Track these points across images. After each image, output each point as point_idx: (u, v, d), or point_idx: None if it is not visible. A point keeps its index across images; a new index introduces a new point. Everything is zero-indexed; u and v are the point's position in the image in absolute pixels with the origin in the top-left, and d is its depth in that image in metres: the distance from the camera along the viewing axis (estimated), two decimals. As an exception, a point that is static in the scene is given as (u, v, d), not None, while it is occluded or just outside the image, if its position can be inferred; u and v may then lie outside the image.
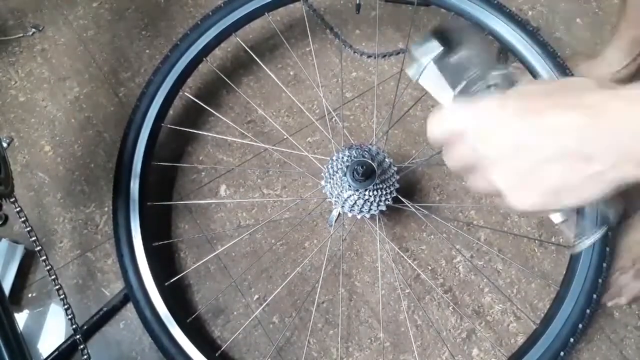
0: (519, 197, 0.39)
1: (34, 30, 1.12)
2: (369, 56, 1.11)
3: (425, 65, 0.48)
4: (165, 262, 0.93)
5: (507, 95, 0.39)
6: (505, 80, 0.46)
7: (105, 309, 0.87)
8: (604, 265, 0.81)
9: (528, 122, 0.37)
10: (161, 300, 0.82)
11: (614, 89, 0.35)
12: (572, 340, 0.79)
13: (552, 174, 0.37)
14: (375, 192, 0.80)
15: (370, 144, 0.88)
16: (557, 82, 0.39)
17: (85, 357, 0.72)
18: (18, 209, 0.69)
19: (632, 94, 0.34)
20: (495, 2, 0.90)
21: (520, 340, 0.88)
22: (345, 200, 0.80)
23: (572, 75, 0.86)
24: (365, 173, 0.77)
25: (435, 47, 0.48)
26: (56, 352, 0.83)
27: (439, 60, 0.48)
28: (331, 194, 0.81)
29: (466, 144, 0.40)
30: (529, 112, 0.37)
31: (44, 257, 0.72)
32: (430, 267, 0.94)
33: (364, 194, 0.79)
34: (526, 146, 0.37)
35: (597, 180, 0.36)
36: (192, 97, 1.00)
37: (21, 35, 1.12)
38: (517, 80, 0.45)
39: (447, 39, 0.48)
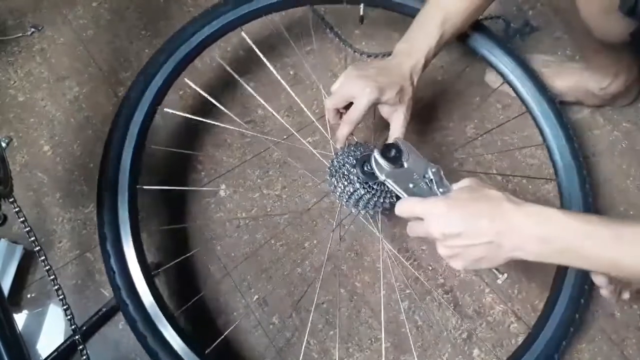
0: (453, 262, 0.64)
1: (33, 30, 1.12)
2: (369, 55, 1.11)
3: (383, 180, 0.71)
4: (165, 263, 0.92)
5: (447, 197, 0.64)
6: (436, 176, 0.69)
7: (104, 309, 0.86)
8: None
9: (461, 218, 0.60)
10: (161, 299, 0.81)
11: (516, 203, 0.59)
12: (564, 343, 0.80)
13: (474, 252, 0.61)
14: (382, 187, 0.78)
15: (371, 144, 0.88)
16: (480, 192, 0.62)
17: (84, 357, 0.71)
18: (17, 209, 0.69)
19: (526, 210, 0.58)
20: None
21: (521, 341, 0.88)
22: (351, 194, 0.78)
23: (544, 85, 0.97)
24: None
25: (385, 166, 0.71)
26: (55, 353, 0.83)
27: (391, 173, 0.70)
28: (335, 188, 0.80)
29: (421, 226, 0.64)
30: (462, 211, 0.61)
31: (43, 257, 0.71)
32: (430, 268, 0.94)
33: (372, 188, 0.78)
34: (459, 234, 0.60)
35: (500, 258, 0.61)
36: (192, 97, 1.00)
37: (20, 35, 1.12)
38: (443, 176, 0.69)
39: (391, 157, 0.71)
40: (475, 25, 0.96)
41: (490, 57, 0.97)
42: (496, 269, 0.70)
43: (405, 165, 0.71)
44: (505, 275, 0.70)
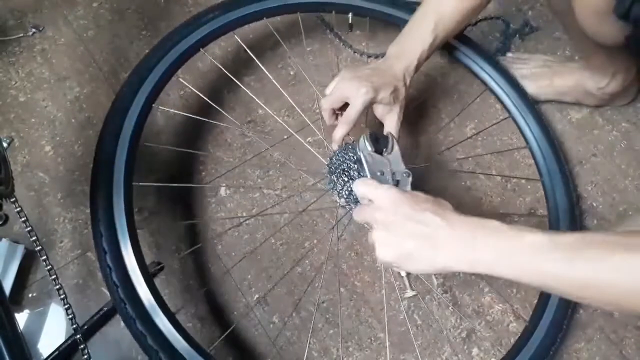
0: (383, 251, 0.61)
1: (34, 30, 1.12)
2: (369, 56, 1.11)
3: (360, 155, 0.74)
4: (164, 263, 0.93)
5: (405, 191, 0.64)
6: (405, 180, 0.72)
7: (105, 308, 0.87)
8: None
9: (409, 207, 0.60)
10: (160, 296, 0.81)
11: (462, 215, 0.59)
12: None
13: (408, 244, 0.59)
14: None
15: None
16: (433, 197, 0.63)
17: (85, 356, 0.72)
18: (18, 209, 0.69)
19: (469, 219, 0.58)
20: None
21: (520, 340, 0.89)
22: (352, 191, 0.79)
23: (524, 90, 1.04)
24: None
25: (367, 146, 0.74)
26: (56, 352, 0.83)
27: (369, 153, 0.73)
28: (335, 185, 0.80)
29: (369, 208, 0.64)
30: (413, 203, 0.61)
31: (44, 257, 0.72)
32: (430, 267, 0.94)
33: None
34: (401, 220, 0.60)
35: (431, 262, 0.59)
36: (193, 97, 1.00)
37: (21, 35, 1.12)
38: (410, 183, 0.72)
39: (377, 141, 0.75)
40: (457, 35, 0.98)
41: (473, 65, 1.03)
42: (408, 280, 0.68)
43: (384, 155, 0.74)
44: (415, 292, 0.69)
